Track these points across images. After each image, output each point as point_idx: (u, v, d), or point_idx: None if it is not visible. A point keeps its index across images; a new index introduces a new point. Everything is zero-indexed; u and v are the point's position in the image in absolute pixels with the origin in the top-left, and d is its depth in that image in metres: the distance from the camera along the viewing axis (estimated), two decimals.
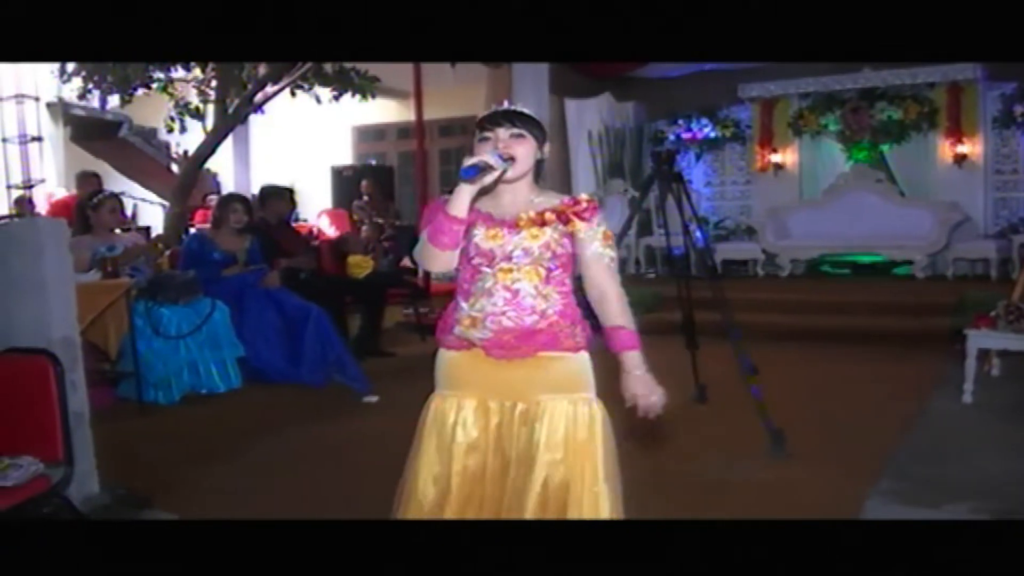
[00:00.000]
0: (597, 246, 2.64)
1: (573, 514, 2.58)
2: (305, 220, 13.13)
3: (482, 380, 2.71)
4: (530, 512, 2.57)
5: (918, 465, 4.73)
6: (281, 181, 9.47)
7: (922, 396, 6.20)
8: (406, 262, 11.28)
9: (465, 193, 2.51)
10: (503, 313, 2.62)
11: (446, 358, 2.79)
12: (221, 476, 4.80)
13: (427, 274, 9.75)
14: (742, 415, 5.18)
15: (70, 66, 9.93)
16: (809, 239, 11.75)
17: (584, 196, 2.68)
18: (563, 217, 2.63)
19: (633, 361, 2.64)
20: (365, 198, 12.42)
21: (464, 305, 2.70)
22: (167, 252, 7.46)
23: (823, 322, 8.97)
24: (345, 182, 13.88)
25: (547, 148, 2.71)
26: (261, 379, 6.25)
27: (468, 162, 2.50)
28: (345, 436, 5.56)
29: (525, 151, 2.62)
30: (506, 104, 2.73)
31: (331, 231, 11.98)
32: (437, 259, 2.61)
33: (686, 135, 13.28)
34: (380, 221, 11.23)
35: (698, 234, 5.97)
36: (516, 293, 2.62)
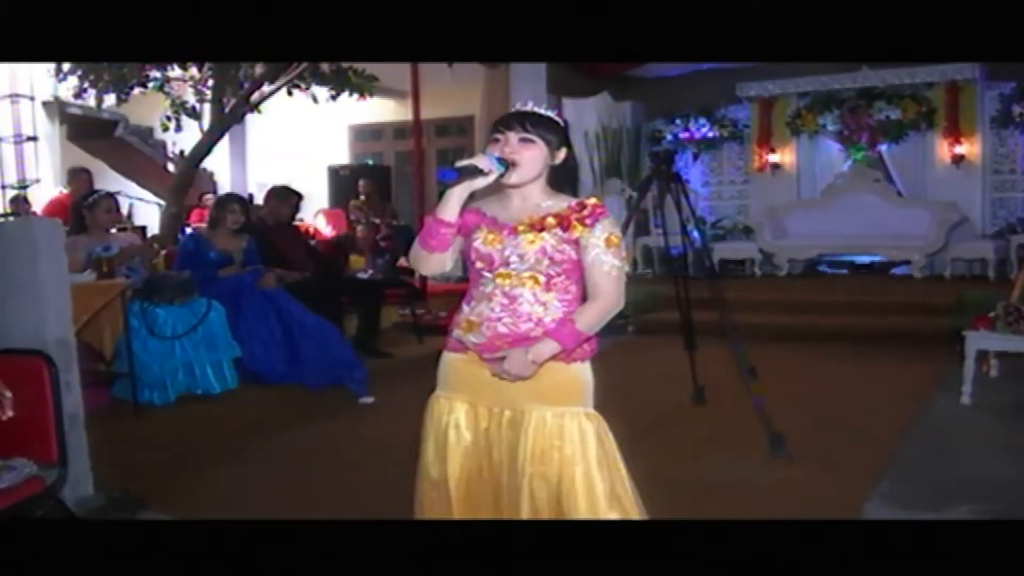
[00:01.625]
0: (597, 252, 2.55)
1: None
2: (301, 220, 13.10)
3: (474, 384, 2.67)
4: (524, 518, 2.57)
5: (917, 467, 4.72)
6: (277, 180, 9.44)
7: (920, 397, 6.19)
8: (403, 262, 11.27)
9: (453, 196, 2.51)
10: (499, 319, 2.58)
11: (445, 359, 2.77)
12: (216, 477, 4.79)
13: (424, 275, 9.74)
14: (741, 416, 5.17)
15: (66, 65, 9.91)
16: (807, 239, 11.75)
17: (590, 200, 2.61)
18: (564, 222, 2.57)
19: (542, 344, 2.53)
20: (362, 198, 12.41)
21: (465, 308, 2.68)
22: (163, 252, 7.44)
23: (820, 322, 8.98)
24: (342, 181, 13.86)
25: (562, 154, 2.65)
26: (257, 380, 6.23)
27: (459, 164, 2.48)
28: (341, 437, 5.55)
29: (531, 156, 2.57)
30: (530, 105, 2.67)
31: (327, 231, 11.96)
32: (425, 261, 2.63)
33: (684, 135, 13.28)
34: (376, 221, 11.20)
35: (695, 234, 5.96)
36: (514, 299, 2.58)
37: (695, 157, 13.37)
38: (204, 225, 8.02)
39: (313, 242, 9.40)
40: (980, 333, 5.94)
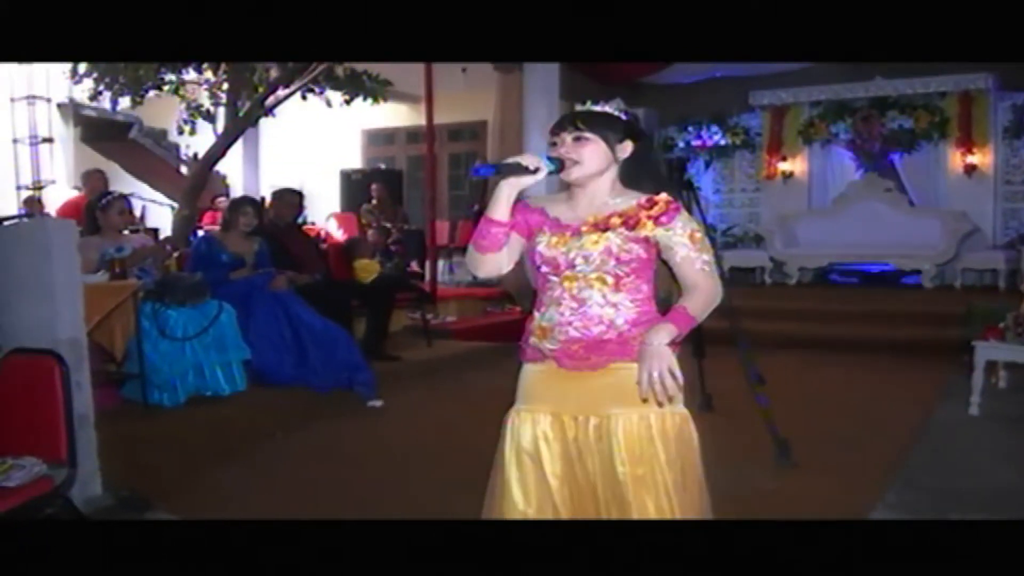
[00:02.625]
0: (685, 250, 2.49)
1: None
2: (313, 223, 13.14)
3: (556, 393, 2.59)
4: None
5: (924, 477, 4.72)
6: (290, 184, 9.47)
7: (929, 407, 6.19)
8: (414, 266, 11.29)
9: (502, 195, 2.45)
10: (570, 323, 2.53)
11: (524, 370, 2.69)
12: (224, 479, 4.80)
13: (434, 279, 9.77)
14: (748, 424, 5.17)
15: (82, 67, 9.95)
16: (817, 247, 11.75)
17: (660, 196, 2.53)
18: (631, 220, 2.50)
19: (660, 328, 2.40)
20: (374, 202, 12.44)
21: (537, 314, 2.62)
22: (175, 254, 7.47)
23: (830, 331, 8.96)
24: (354, 185, 13.89)
25: (627, 147, 2.57)
26: (266, 382, 6.24)
27: (505, 161, 2.46)
28: (349, 440, 5.57)
29: (590, 152, 2.51)
30: (588, 103, 2.62)
31: (339, 234, 11.99)
32: (480, 263, 2.57)
33: (696, 142, 13.29)
34: (388, 225, 11.23)
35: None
36: (583, 302, 2.52)
37: (707, 165, 13.37)
38: (217, 227, 8.05)
39: (324, 245, 9.43)
40: (989, 343, 5.94)
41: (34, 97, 11.46)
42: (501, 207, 2.47)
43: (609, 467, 2.52)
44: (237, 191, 13.49)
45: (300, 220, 9.00)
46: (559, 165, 2.49)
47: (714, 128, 13.22)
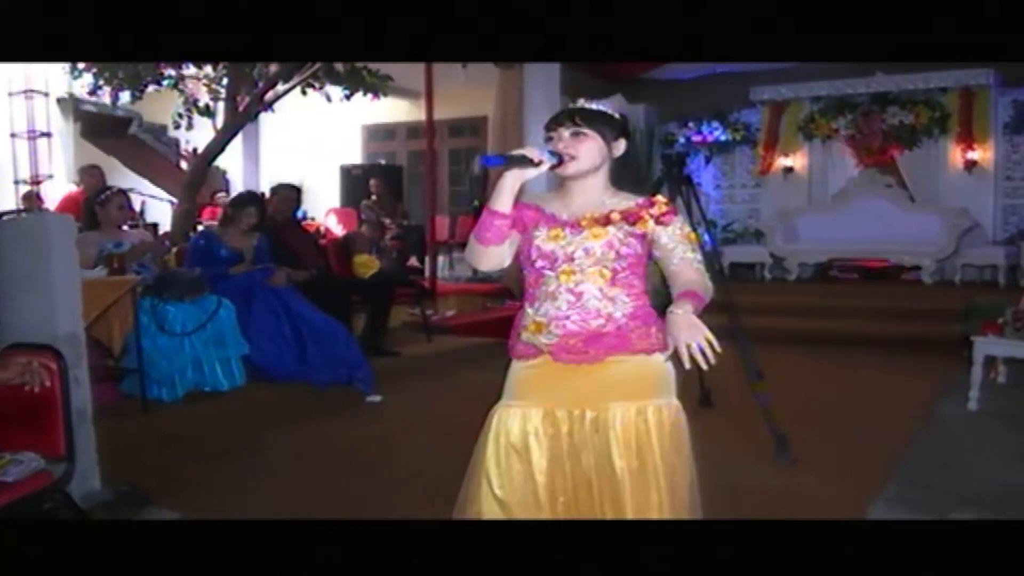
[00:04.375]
0: (684, 250, 2.55)
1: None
2: (313, 218, 13.15)
3: (549, 388, 2.60)
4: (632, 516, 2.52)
5: (923, 472, 4.72)
6: (290, 179, 9.47)
7: (928, 402, 6.19)
8: (413, 261, 11.29)
9: (506, 187, 2.47)
10: (567, 317, 2.54)
11: (514, 367, 2.69)
12: (223, 474, 4.80)
13: (433, 274, 9.78)
14: (747, 420, 5.17)
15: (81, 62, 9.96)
16: (818, 243, 11.72)
17: (661, 198, 2.59)
18: (631, 217, 2.55)
19: (684, 302, 2.38)
20: (374, 197, 12.43)
21: (529, 310, 2.63)
22: (174, 249, 7.46)
23: (830, 326, 8.97)
24: (354, 181, 13.88)
25: (621, 145, 2.62)
26: (265, 377, 6.24)
27: (509, 153, 2.48)
28: (348, 435, 5.57)
29: (587, 148, 2.55)
30: (580, 101, 2.66)
31: (339, 230, 11.99)
32: (482, 256, 2.56)
33: (696, 138, 13.26)
34: (385, 221, 11.22)
35: (706, 237, 5.94)
36: (580, 296, 2.54)
37: (707, 160, 13.35)
38: (216, 223, 8.05)
39: (323, 241, 9.43)
40: (988, 339, 5.94)
41: (32, 91, 11.44)
42: (505, 198, 2.48)
43: (606, 461, 2.54)
44: (237, 186, 13.50)
45: (299, 215, 9.00)
46: (558, 159, 2.52)
47: (714, 124, 13.18)
